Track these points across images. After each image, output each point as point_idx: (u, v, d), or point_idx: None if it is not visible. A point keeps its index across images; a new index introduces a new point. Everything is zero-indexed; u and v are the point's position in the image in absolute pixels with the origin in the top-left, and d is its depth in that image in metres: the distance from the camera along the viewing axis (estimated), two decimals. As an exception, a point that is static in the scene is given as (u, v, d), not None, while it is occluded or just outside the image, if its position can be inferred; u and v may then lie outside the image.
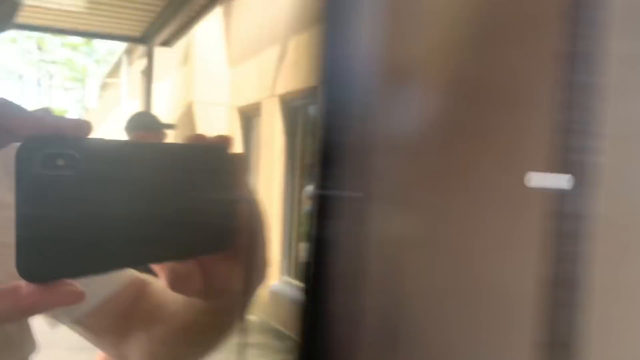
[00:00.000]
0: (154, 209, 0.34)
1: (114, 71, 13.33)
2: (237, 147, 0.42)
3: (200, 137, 0.40)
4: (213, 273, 0.41)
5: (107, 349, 0.63)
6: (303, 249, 5.31)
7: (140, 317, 0.56)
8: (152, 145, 0.37)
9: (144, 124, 3.17)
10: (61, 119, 0.30)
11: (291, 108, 5.59)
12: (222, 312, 0.47)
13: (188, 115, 7.09)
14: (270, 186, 5.68)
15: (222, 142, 0.40)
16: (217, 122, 6.87)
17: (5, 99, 0.30)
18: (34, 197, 0.27)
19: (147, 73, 6.57)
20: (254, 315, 5.68)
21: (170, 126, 4.25)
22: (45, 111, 0.31)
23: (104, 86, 15.20)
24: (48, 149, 0.28)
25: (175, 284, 0.41)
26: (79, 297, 0.29)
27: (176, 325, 0.53)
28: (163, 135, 3.13)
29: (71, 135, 0.29)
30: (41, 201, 0.28)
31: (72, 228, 0.29)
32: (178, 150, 0.39)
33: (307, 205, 5.44)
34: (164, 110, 8.73)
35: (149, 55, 6.72)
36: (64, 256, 0.29)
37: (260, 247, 0.43)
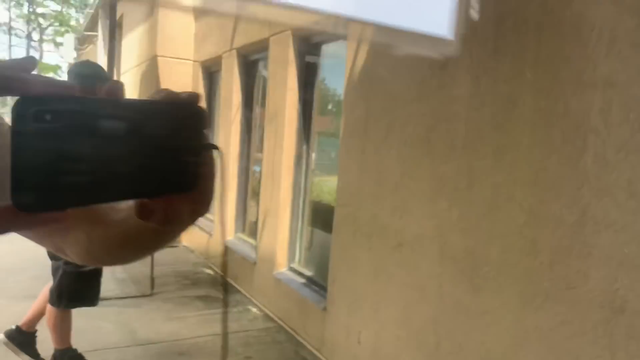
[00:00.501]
0: (129, 156, 0.39)
1: (92, 24, 12.78)
2: (202, 102, 0.45)
3: (172, 94, 0.44)
4: (172, 207, 0.46)
5: (44, 244, 0.66)
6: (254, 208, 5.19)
7: (82, 219, 0.58)
8: (128, 102, 0.41)
9: (98, 74, 3.03)
10: (51, 81, 0.37)
11: (248, 62, 5.28)
12: (165, 232, 0.53)
13: (152, 69, 6.75)
14: (228, 142, 5.42)
15: (192, 99, 0.44)
16: (181, 76, 6.54)
17: (6, 62, 0.37)
18: (27, 145, 0.33)
19: (111, 28, 6.20)
20: (209, 269, 5.54)
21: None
22: (32, 61, 0.39)
23: (83, 39, 14.63)
24: (39, 106, 0.34)
25: (143, 215, 0.46)
26: (57, 219, 0.37)
27: (117, 232, 0.57)
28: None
29: (58, 94, 0.37)
30: (32, 148, 0.34)
31: (57, 170, 0.35)
32: (151, 107, 0.43)
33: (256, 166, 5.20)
34: (131, 64, 8.34)
35: (111, 8, 6.33)
36: (49, 191, 0.35)
37: (211, 188, 0.48)
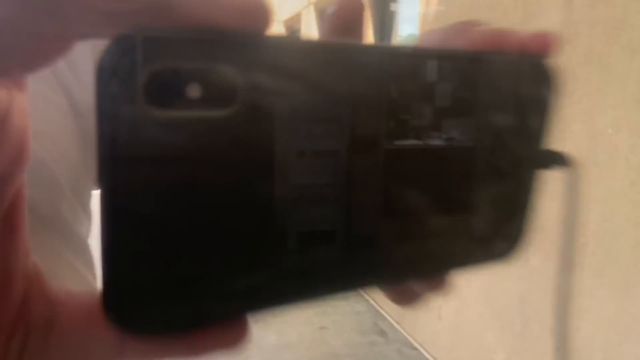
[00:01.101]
0: (420, 193, 0.17)
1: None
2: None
3: (498, 35, 0.18)
4: None
5: None
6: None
7: None
8: (417, 54, 0.16)
9: None
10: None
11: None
12: None
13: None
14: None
15: (542, 48, 0.18)
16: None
17: None
18: (134, 163, 0.12)
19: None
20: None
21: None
22: None
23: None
24: (166, 58, 0.11)
25: (402, 303, 0.23)
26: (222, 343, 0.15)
27: None
28: None
29: (218, 27, 0.12)
30: (150, 172, 0.12)
31: (212, 225, 0.13)
32: (477, 69, 0.17)
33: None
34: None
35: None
36: (193, 285, 0.13)
37: None
